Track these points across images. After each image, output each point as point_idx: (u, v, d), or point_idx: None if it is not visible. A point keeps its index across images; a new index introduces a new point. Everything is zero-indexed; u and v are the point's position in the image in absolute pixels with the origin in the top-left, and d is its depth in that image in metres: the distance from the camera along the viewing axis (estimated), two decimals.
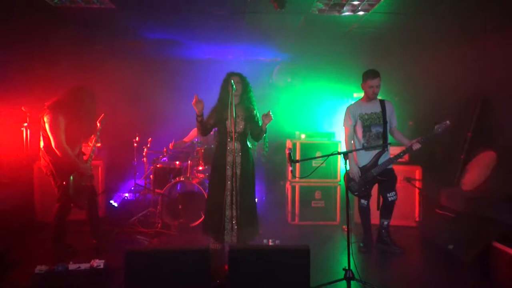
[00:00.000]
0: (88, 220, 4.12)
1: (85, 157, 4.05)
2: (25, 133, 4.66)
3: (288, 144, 5.36)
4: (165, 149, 5.42)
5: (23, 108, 4.62)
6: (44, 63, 5.18)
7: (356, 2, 3.95)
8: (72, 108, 3.79)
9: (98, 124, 4.08)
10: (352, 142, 4.16)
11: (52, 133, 3.72)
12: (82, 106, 3.84)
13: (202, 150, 5.18)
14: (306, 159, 3.96)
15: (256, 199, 3.94)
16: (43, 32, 4.85)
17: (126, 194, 6.13)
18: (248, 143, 3.88)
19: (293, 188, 5.14)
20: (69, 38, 5.14)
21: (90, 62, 5.72)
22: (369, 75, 3.98)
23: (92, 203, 4.11)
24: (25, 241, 4.34)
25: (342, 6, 4.05)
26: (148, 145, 5.44)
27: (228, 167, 3.72)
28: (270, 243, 3.71)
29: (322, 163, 3.62)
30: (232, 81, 3.58)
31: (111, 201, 5.72)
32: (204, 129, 3.79)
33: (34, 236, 4.50)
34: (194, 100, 3.61)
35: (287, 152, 3.41)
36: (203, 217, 4.22)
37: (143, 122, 6.12)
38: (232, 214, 3.68)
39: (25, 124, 4.66)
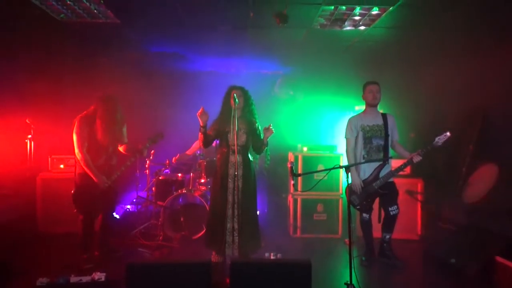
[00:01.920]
0: (98, 231, 4.13)
1: (111, 169, 4.07)
2: (29, 145, 4.70)
3: (290, 157, 5.36)
4: (167, 161, 5.44)
5: (27, 120, 4.66)
6: (49, 76, 5.24)
7: (357, 17, 4.02)
8: (95, 117, 3.90)
9: (148, 144, 4.18)
10: (353, 154, 4.16)
11: (74, 139, 3.88)
12: (105, 115, 3.91)
13: (205, 163, 5.20)
14: (308, 172, 3.96)
15: (257, 212, 3.94)
16: (49, 45, 4.93)
17: (128, 206, 6.14)
18: (249, 156, 3.89)
19: (295, 200, 5.13)
20: (74, 51, 5.22)
21: (94, 74, 5.77)
22: (368, 82, 4.12)
23: (105, 215, 4.16)
24: (27, 252, 4.34)
25: (344, 21, 4.11)
26: (151, 157, 5.46)
27: (229, 180, 3.73)
28: (272, 257, 3.70)
29: (324, 176, 3.63)
30: (235, 94, 3.62)
31: (113, 213, 5.72)
32: (206, 141, 3.81)
33: (36, 248, 4.50)
34: (200, 111, 3.64)
35: (289, 166, 3.42)
36: (205, 229, 4.22)
37: (146, 134, 6.15)
38: (233, 227, 3.67)
39: (29, 136, 4.70)
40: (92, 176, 3.90)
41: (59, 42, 4.88)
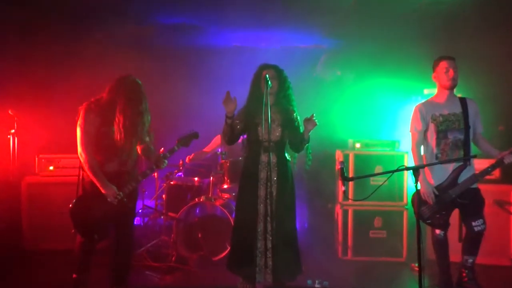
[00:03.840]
0: (111, 264, 3.85)
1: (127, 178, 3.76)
2: (12, 141, 4.82)
3: (339, 156, 5.34)
4: (181, 162, 5.48)
5: (10, 112, 4.79)
6: (35, 58, 5.37)
7: None
8: (108, 105, 3.64)
9: (176, 148, 3.90)
10: (423, 152, 4.11)
11: (78, 133, 3.64)
12: (128, 106, 3.64)
13: (228, 164, 5.21)
14: (363, 176, 3.92)
15: (296, 227, 3.91)
16: (34, 21, 5.04)
17: None
18: (286, 154, 3.88)
19: (345, 212, 5.12)
20: (66, 27, 5.32)
21: (89, 54, 5.88)
22: (441, 57, 4.03)
23: (120, 243, 3.83)
24: (9, 272, 4.45)
25: None
26: None
27: (260, 185, 3.74)
28: (316, 285, 3.66)
29: (384, 181, 3.54)
30: (267, 75, 3.58)
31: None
32: (232, 135, 3.82)
33: (19, 268, 4.62)
34: (225, 97, 3.63)
35: (338, 167, 3.36)
36: (228, 249, 4.24)
37: (154, 127, 6.21)
38: (266, 246, 3.66)
39: (12, 131, 4.82)
40: (98, 185, 3.62)
41: (47, 16, 4.97)
